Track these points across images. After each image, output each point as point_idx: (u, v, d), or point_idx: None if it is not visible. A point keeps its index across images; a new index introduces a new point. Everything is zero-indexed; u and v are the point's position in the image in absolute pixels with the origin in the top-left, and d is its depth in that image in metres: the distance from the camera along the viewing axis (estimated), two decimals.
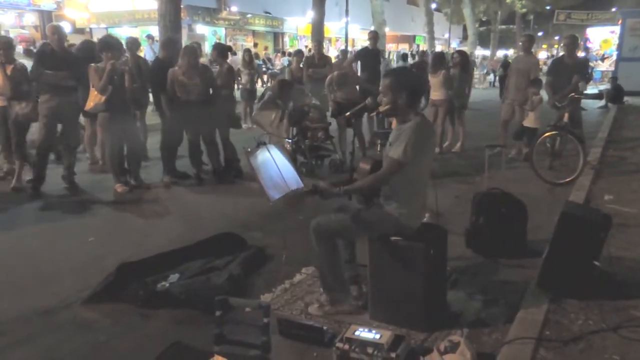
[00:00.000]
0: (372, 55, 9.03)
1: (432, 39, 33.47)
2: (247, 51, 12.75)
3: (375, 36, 9.22)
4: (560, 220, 3.31)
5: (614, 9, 30.55)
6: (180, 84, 6.12)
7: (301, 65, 9.50)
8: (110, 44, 5.80)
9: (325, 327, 2.88)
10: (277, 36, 30.52)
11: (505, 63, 17.80)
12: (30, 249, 4.43)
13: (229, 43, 22.26)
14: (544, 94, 7.29)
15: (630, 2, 27.22)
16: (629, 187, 5.90)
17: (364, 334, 2.58)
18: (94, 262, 4.02)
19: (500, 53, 36.47)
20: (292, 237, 4.08)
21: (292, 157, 6.05)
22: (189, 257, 3.88)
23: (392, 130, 3.29)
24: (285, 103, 6.87)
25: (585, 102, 9.14)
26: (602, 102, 13.64)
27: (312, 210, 3.69)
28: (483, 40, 43.73)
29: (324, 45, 19.48)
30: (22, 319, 3.18)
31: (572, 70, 7.09)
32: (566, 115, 6.64)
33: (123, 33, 19.57)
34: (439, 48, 34.77)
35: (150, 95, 7.28)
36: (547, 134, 6.63)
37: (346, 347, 2.55)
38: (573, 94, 6.78)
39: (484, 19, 43.84)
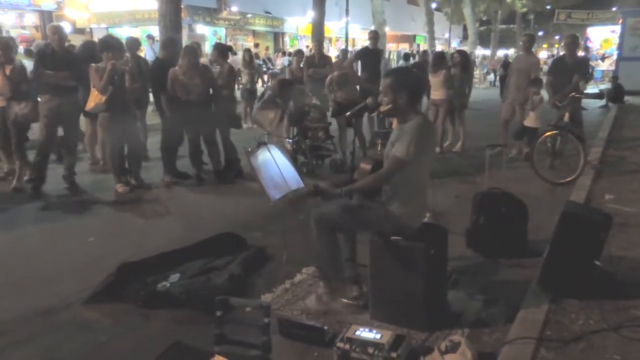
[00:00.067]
0: (372, 55, 9.02)
1: (432, 38, 33.45)
2: (247, 51, 12.75)
3: (375, 36, 9.21)
4: (560, 219, 3.31)
5: (614, 9, 30.49)
6: (180, 84, 6.12)
7: (301, 65, 9.50)
8: (110, 44, 5.80)
9: (326, 327, 2.88)
10: (277, 36, 30.51)
11: (506, 63, 17.79)
12: (30, 249, 4.43)
13: (229, 43, 22.25)
14: (544, 94, 7.29)
15: (631, 2, 27.19)
16: (630, 187, 5.90)
17: (365, 333, 2.57)
18: (95, 262, 4.02)
19: (501, 53, 36.47)
20: (293, 237, 4.06)
21: (292, 157, 6.08)
22: (189, 257, 3.88)
23: (392, 130, 3.29)
24: (285, 102, 6.87)
25: (585, 102, 9.14)
26: (603, 102, 13.65)
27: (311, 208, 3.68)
28: (483, 40, 43.72)
29: (324, 45, 19.47)
30: (22, 319, 3.18)
31: (573, 69, 7.09)
32: (567, 114, 6.64)
33: (123, 33, 19.54)
34: (439, 48, 34.74)
35: (151, 95, 7.28)
36: (547, 134, 6.64)
37: (347, 347, 2.54)
38: (574, 93, 6.78)
39: (484, 19, 43.79)
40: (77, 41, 13.04)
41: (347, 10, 21.64)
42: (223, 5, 24.58)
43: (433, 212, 3.95)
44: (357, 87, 8.13)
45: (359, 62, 9.14)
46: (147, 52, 15.76)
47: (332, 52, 25.90)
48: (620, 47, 18.44)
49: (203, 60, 11.84)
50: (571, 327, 2.92)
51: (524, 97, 7.43)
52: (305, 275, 3.71)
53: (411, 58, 21.46)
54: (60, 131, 6.19)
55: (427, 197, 3.30)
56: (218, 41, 18.86)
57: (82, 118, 7.01)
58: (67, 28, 7.67)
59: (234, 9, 25.10)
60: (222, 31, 26.12)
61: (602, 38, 26.65)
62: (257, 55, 19.83)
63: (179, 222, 5.22)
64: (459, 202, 5.35)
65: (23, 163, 6.14)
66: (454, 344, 2.54)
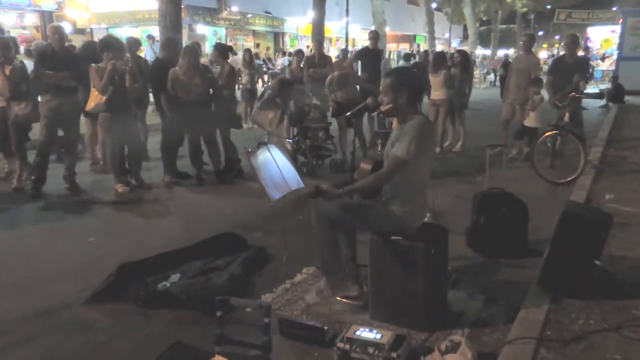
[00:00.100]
0: (372, 55, 9.03)
1: (432, 38, 33.44)
2: (248, 51, 12.76)
3: (375, 36, 9.21)
4: (561, 219, 3.31)
5: (614, 8, 30.49)
6: (180, 84, 6.12)
7: (301, 65, 9.50)
8: (110, 44, 5.81)
9: (326, 327, 2.87)
10: (277, 36, 30.51)
11: (506, 62, 17.80)
12: (30, 249, 4.43)
13: (229, 43, 22.26)
14: (544, 94, 7.29)
15: (631, 1, 27.18)
16: (630, 187, 5.90)
17: (365, 333, 2.57)
18: (95, 262, 4.02)
19: (501, 52, 36.45)
20: (293, 237, 4.07)
21: (292, 157, 6.08)
22: (189, 257, 3.88)
23: (392, 130, 3.29)
24: (285, 102, 6.86)
25: (586, 102, 9.14)
26: (603, 102, 13.65)
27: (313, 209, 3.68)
28: (484, 40, 43.71)
29: (325, 45, 19.47)
30: (22, 319, 3.18)
31: (573, 69, 7.09)
32: (567, 114, 6.64)
33: (124, 33, 19.54)
34: (439, 48, 34.74)
35: (151, 95, 7.28)
36: (547, 134, 6.64)
37: (347, 347, 2.54)
38: (574, 93, 6.78)
39: (484, 19, 43.77)
40: (77, 41, 13.05)
41: (347, 11, 21.64)
42: (223, 5, 24.58)
43: (433, 212, 3.94)
44: (357, 87, 8.13)
45: (359, 62, 9.14)
46: (147, 52, 15.75)
47: (332, 52, 25.91)
48: (620, 47, 18.45)
49: (203, 60, 11.85)
50: (571, 327, 2.92)
51: (524, 97, 7.43)
52: (305, 275, 3.71)
53: (412, 58, 21.49)
54: (60, 131, 6.19)
55: (427, 197, 3.30)
56: (218, 41, 18.85)
57: (82, 118, 7.01)
58: (67, 28, 7.69)
59: (234, 9, 25.10)
60: (222, 31, 26.12)
61: (602, 38, 26.65)
62: (257, 55, 19.83)
63: (179, 222, 5.22)
64: (459, 202, 5.35)
65: (23, 163, 6.15)
66: (454, 344, 2.54)
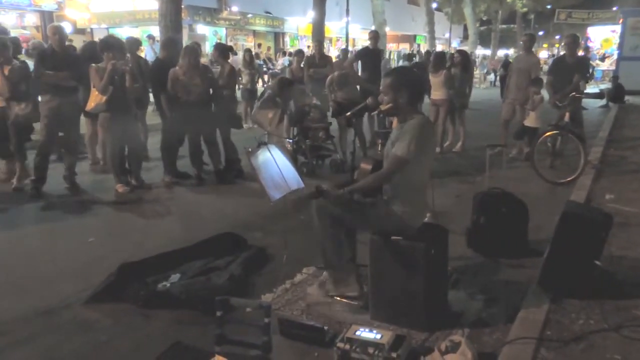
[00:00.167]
0: (372, 55, 9.03)
1: (432, 38, 33.44)
2: (248, 51, 12.76)
3: (375, 36, 9.21)
4: (561, 219, 3.31)
5: (614, 8, 30.48)
6: (181, 84, 6.12)
7: (302, 65, 9.50)
8: (110, 44, 5.80)
9: (326, 327, 2.87)
10: (277, 36, 30.50)
11: (506, 62, 17.81)
12: (30, 249, 4.43)
13: (229, 43, 22.26)
14: (544, 94, 7.29)
15: (631, 1, 27.18)
16: (630, 187, 5.90)
17: (365, 334, 2.57)
18: (95, 262, 4.02)
19: (501, 52, 36.45)
20: (293, 237, 4.07)
21: (292, 157, 6.08)
22: (189, 257, 3.88)
23: (392, 130, 3.29)
24: (285, 102, 6.86)
25: (586, 102, 9.14)
26: (603, 102, 13.65)
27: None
28: (484, 40, 43.70)
29: (325, 45, 19.47)
30: (22, 319, 3.18)
31: (573, 69, 7.09)
32: (567, 114, 6.64)
33: (124, 33, 19.54)
34: (439, 48, 34.72)
35: (151, 95, 7.28)
36: (548, 134, 6.64)
37: (347, 347, 2.54)
38: (574, 93, 6.78)
39: (484, 19, 43.76)
40: (78, 41, 13.06)
41: (347, 11, 21.64)
42: (223, 6, 24.58)
43: (433, 212, 3.94)
44: (358, 87, 8.13)
45: (359, 62, 9.14)
46: (147, 52, 15.76)
47: (333, 52, 25.90)
48: (620, 46, 18.45)
49: (203, 60, 11.85)
50: (571, 327, 2.92)
51: (524, 97, 7.43)
52: (305, 275, 3.71)
53: (414, 58, 21.51)
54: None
55: (427, 197, 3.30)
56: (218, 41, 18.85)
57: (82, 118, 7.01)
58: (67, 28, 7.69)
59: (235, 9, 25.10)
60: (222, 31, 26.12)
61: (603, 38, 26.65)
62: (257, 56, 19.83)
63: (179, 222, 5.22)
64: (459, 202, 5.35)
65: (22, 164, 6.15)
66: (454, 344, 2.54)
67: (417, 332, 2.88)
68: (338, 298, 3.23)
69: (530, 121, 7.27)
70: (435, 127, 7.71)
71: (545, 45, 51.70)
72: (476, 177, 6.45)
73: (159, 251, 3.94)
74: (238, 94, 10.01)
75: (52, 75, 5.76)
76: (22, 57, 6.77)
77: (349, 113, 3.73)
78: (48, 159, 6.05)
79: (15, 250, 4.41)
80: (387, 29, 26.11)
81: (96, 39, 13.25)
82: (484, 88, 22.74)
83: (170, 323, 3.12)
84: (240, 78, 11.57)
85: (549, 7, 37.69)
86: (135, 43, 8.14)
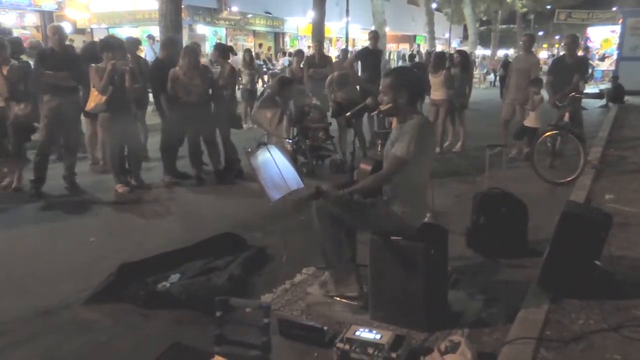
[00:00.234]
0: (372, 55, 9.03)
1: (432, 38, 33.43)
2: (248, 51, 12.77)
3: (375, 36, 9.21)
4: (561, 219, 3.31)
5: (614, 9, 30.51)
6: (181, 85, 6.12)
7: (302, 66, 9.50)
8: (110, 44, 5.80)
9: (325, 328, 2.87)
10: (277, 36, 30.51)
11: (506, 62, 17.82)
12: (30, 249, 4.43)
13: (229, 43, 22.26)
14: (544, 94, 7.29)
15: (631, 2, 27.20)
16: (630, 187, 5.90)
17: (365, 334, 2.57)
18: (95, 262, 4.02)
19: (501, 53, 36.45)
20: (293, 237, 4.07)
21: (292, 158, 6.07)
22: (189, 258, 3.88)
23: (392, 130, 3.29)
24: (284, 101, 6.87)
25: (586, 102, 9.14)
26: (603, 102, 13.65)
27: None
28: (484, 40, 43.71)
29: (325, 45, 19.46)
30: (22, 319, 3.18)
31: (573, 69, 7.09)
32: (567, 114, 6.64)
33: (124, 33, 19.53)
34: (439, 48, 34.73)
35: (151, 96, 7.28)
36: (547, 134, 6.64)
37: (347, 347, 2.54)
38: (574, 93, 6.79)
39: (484, 19, 43.78)
40: (78, 41, 13.07)
41: (347, 11, 21.64)
42: (223, 6, 24.58)
43: (433, 212, 3.94)
44: (357, 87, 8.13)
45: (359, 62, 9.14)
46: (147, 52, 15.76)
47: (333, 53, 25.91)
48: (620, 47, 18.45)
49: (203, 60, 11.85)
50: (571, 327, 2.92)
51: (524, 97, 7.43)
52: (305, 276, 3.71)
53: (415, 58, 21.52)
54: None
55: (427, 197, 3.30)
56: (218, 41, 18.85)
57: (82, 118, 7.01)
58: (67, 28, 7.69)
59: (235, 9, 25.11)
60: (222, 31, 26.13)
61: (602, 38, 26.65)
62: (257, 56, 19.83)
63: (179, 222, 5.22)
64: (459, 202, 5.35)
65: (17, 164, 6.15)
66: (454, 344, 2.54)
67: (416, 332, 2.88)
68: (338, 298, 3.23)
69: (530, 121, 7.28)
70: (435, 127, 7.72)
71: (545, 46, 51.72)
72: (476, 177, 6.45)
73: (159, 251, 3.94)
74: (238, 94, 10.02)
75: (51, 75, 5.76)
76: (24, 57, 6.76)
77: (348, 113, 3.73)
78: (48, 159, 6.05)
79: (15, 250, 4.41)
80: (387, 29, 26.09)
81: (96, 39, 13.26)
82: (483, 88, 22.75)
83: (170, 323, 3.12)
84: (240, 78, 11.57)
85: (548, 7, 37.70)
86: (135, 43, 8.14)
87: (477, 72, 23.44)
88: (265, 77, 20.18)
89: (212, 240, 4.16)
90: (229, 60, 7.47)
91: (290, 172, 3.38)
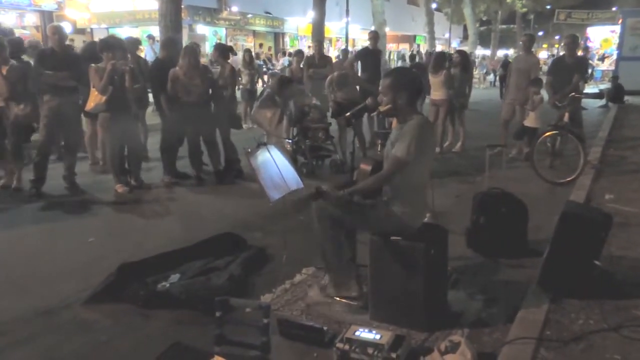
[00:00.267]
0: (372, 55, 9.03)
1: (432, 38, 33.43)
2: (248, 51, 12.77)
3: (375, 36, 9.22)
4: (560, 219, 3.31)
5: (614, 9, 30.52)
6: (181, 85, 6.12)
7: (301, 66, 9.50)
8: (110, 44, 5.80)
9: (325, 328, 2.87)
10: (277, 36, 30.51)
11: (506, 63, 17.81)
12: (30, 249, 4.43)
13: (229, 43, 22.26)
14: (544, 94, 7.29)
15: (631, 2, 27.22)
16: (630, 187, 5.90)
17: (364, 334, 2.57)
18: (95, 262, 4.02)
19: (501, 53, 36.45)
20: (293, 237, 4.07)
21: (292, 158, 6.07)
22: (189, 258, 3.88)
23: (392, 131, 3.29)
24: (284, 100, 6.87)
25: (585, 102, 9.14)
26: (603, 102, 13.65)
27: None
28: (483, 40, 43.70)
29: (325, 46, 19.47)
30: (22, 319, 3.18)
31: (573, 69, 7.09)
32: (567, 114, 6.64)
33: (124, 33, 19.53)
34: (439, 48, 34.72)
35: (150, 96, 7.28)
36: (547, 134, 6.64)
37: (346, 347, 2.54)
38: (573, 93, 6.79)
39: (484, 19, 43.77)
40: (78, 41, 13.07)
41: (347, 11, 21.65)
42: (223, 6, 24.58)
43: (433, 212, 3.94)
44: (357, 87, 8.13)
45: (359, 62, 9.14)
46: (147, 52, 15.76)
47: (332, 53, 25.91)
48: (620, 47, 18.46)
49: (203, 60, 11.85)
50: (571, 327, 2.92)
51: (524, 97, 7.43)
52: (305, 276, 3.71)
53: (417, 58, 21.53)
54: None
55: (427, 197, 3.30)
56: (218, 41, 18.85)
57: (82, 118, 7.01)
58: (67, 28, 7.68)
59: (235, 9, 25.11)
60: (222, 31, 26.12)
61: (602, 38, 26.66)
62: (257, 56, 19.83)
63: (179, 222, 5.22)
64: (459, 202, 5.35)
65: (23, 163, 6.14)
66: (454, 344, 2.54)
67: (416, 332, 2.88)
68: (337, 298, 3.23)
69: (530, 121, 7.28)
70: (435, 127, 7.72)
71: (544, 46, 51.71)
72: (476, 177, 6.45)
73: (159, 251, 3.94)
74: (238, 94, 10.02)
75: (51, 75, 5.76)
76: (27, 57, 6.76)
77: (348, 113, 3.73)
78: (48, 158, 6.05)
79: (15, 250, 4.41)
80: (387, 29, 26.10)
81: (96, 39, 13.26)
82: (483, 88, 22.76)
83: (169, 323, 3.12)
84: (240, 78, 11.58)
85: (548, 7, 37.69)
86: (135, 43, 8.14)
87: (476, 72, 23.45)
88: (265, 77, 20.21)
89: (212, 240, 4.16)
90: (229, 60, 7.47)
91: (290, 172, 3.38)
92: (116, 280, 3.43)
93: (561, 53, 11.77)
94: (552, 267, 3.27)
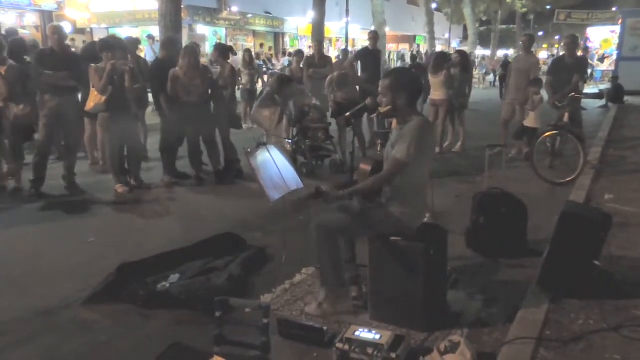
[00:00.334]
0: (372, 55, 9.03)
1: (432, 39, 33.42)
2: (248, 51, 12.77)
3: (375, 36, 9.21)
4: (560, 219, 3.31)
5: (614, 9, 30.53)
6: (181, 85, 6.12)
7: (301, 66, 9.49)
8: (110, 44, 5.80)
9: (325, 328, 2.87)
10: (277, 36, 30.51)
11: (506, 63, 17.81)
12: (30, 249, 4.43)
13: (229, 43, 22.26)
14: (544, 94, 7.29)
15: (631, 2, 27.22)
16: (630, 187, 5.90)
17: (364, 334, 2.57)
18: (94, 262, 4.02)
19: (501, 53, 36.44)
20: (293, 237, 4.07)
21: (292, 158, 6.07)
22: (189, 258, 3.88)
23: (392, 131, 3.29)
24: (284, 100, 6.87)
25: (585, 102, 9.14)
26: (603, 102, 13.65)
27: (312, 211, 3.68)
28: (483, 40, 43.71)
29: (325, 46, 19.47)
30: (22, 319, 3.18)
31: (573, 70, 7.10)
32: (566, 114, 6.64)
33: (124, 33, 19.53)
34: (439, 48, 34.71)
35: (150, 96, 7.28)
36: (547, 134, 6.64)
37: (346, 347, 2.54)
38: (573, 93, 6.79)
39: (484, 19, 43.78)
40: (78, 41, 13.06)
41: (347, 11, 21.65)
42: (223, 6, 24.58)
43: (433, 212, 3.94)
44: (357, 87, 8.14)
45: (359, 62, 9.14)
46: (147, 52, 15.76)
47: (332, 53, 25.91)
48: (620, 47, 18.45)
49: (203, 60, 11.85)
50: (571, 327, 2.92)
51: (524, 97, 7.43)
52: (304, 276, 3.71)
53: (418, 59, 21.54)
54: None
55: (427, 197, 3.30)
56: (218, 41, 18.86)
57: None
58: (67, 28, 7.68)
59: (235, 9, 25.11)
60: (222, 31, 26.13)
61: (602, 38, 26.65)
62: (258, 56, 19.82)
63: (179, 222, 5.22)
64: (459, 202, 5.35)
65: (22, 163, 6.14)
66: (454, 344, 2.54)
67: (416, 332, 2.88)
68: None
69: (529, 121, 7.28)
70: (435, 127, 7.73)
71: (544, 46, 51.72)
72: (476, 177, 6.46)
73: (159, 251, 3.94)
74: (238, 94, 10.02)
75: (51, 75, 5.75)
76: (28, 58, 6.76)
77: (348, 113, 3.72)
78: (47, 158, 6.05)
79: (15, 250, 4.40)
80: (386, 29, 26.09)
81: (96, 39, 13.25)
82: (483, 88, 22.76)
83: (169, 323, 3.12)
84: (240, 78, 11.58)
85: (548, 7, 37.71)
86: (134, 43, 8.13)
87: (476, 73, 23.45)
88: (265, 77, 20.21)
89: (212, 241, 4.16)
90: (229, 60, 7.48)
91: (290, 173, 3.38)
92: (116, 280, 3.43)
93: (561, 53, 11.76)
94: (552, 267, 3.27)
